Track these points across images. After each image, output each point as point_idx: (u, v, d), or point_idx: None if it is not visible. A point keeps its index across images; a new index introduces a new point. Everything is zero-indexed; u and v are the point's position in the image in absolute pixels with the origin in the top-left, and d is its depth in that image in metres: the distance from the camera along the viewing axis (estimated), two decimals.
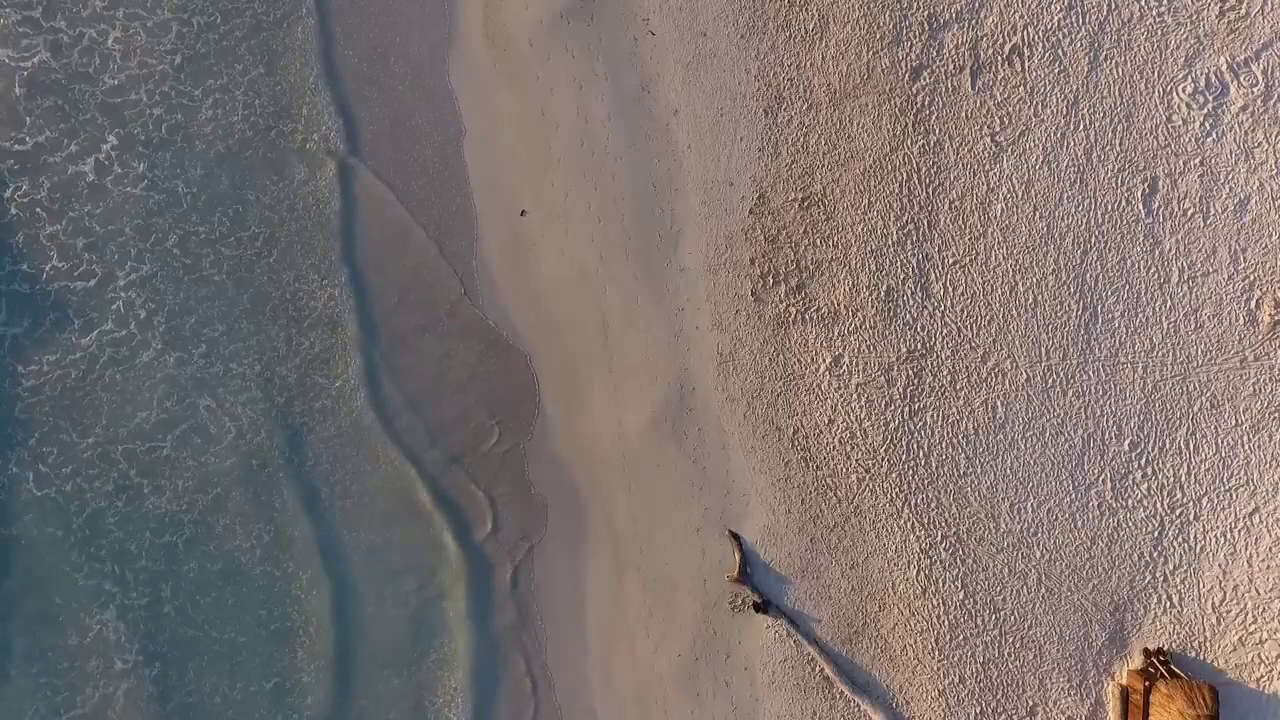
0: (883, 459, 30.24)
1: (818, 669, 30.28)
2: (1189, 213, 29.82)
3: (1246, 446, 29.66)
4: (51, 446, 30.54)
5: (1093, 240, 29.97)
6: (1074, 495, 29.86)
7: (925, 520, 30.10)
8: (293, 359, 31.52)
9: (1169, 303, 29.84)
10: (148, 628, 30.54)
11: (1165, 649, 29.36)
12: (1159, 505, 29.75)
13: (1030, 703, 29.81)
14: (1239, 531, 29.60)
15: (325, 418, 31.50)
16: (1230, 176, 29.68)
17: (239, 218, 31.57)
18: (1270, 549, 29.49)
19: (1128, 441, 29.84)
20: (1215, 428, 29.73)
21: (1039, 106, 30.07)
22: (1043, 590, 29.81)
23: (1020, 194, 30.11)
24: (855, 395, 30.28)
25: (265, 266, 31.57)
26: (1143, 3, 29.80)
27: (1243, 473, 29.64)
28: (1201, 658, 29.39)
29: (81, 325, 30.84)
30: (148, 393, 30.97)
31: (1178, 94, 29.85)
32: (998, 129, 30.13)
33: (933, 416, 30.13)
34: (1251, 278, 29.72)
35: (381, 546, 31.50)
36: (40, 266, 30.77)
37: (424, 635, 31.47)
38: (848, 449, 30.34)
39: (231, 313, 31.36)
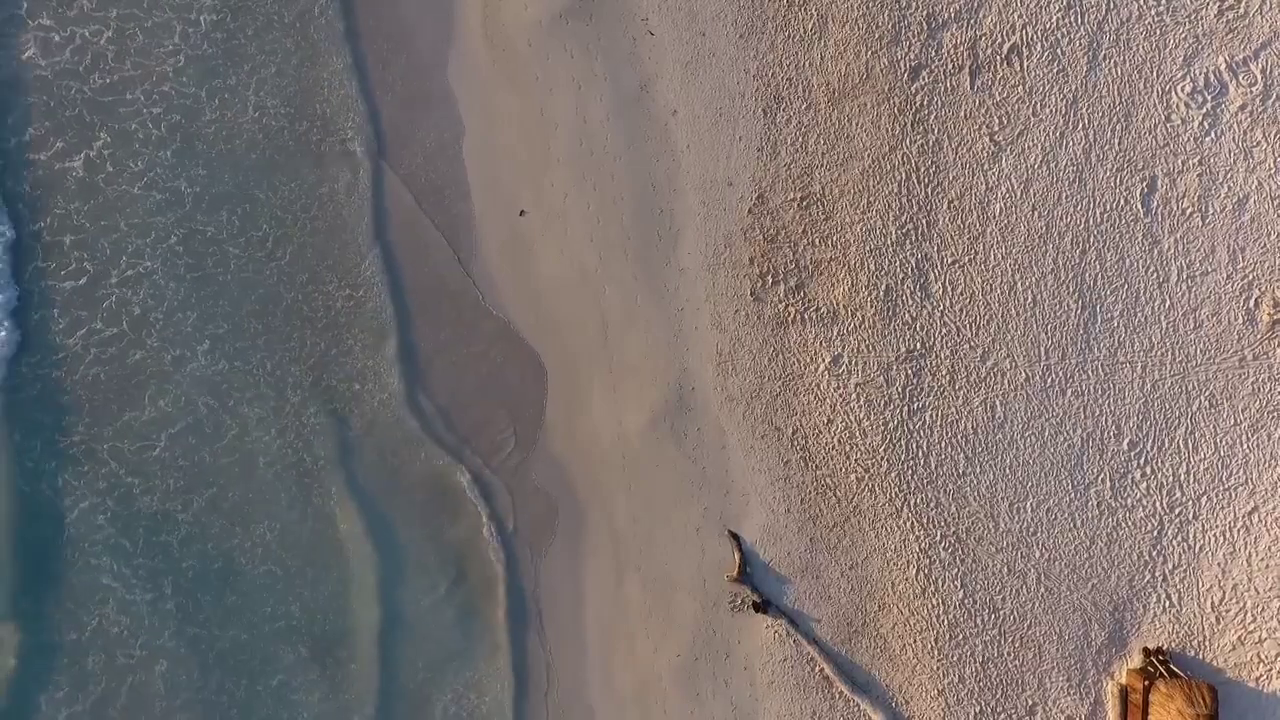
0: (882, 458, 30.25)
1: (817, 668, 30.29)
2: (1188, 212, 29.84)
3: (1245, 446, 29.67)
4: (35, 441, 30.44)
5: (1091, 239, 29.99)
6: (1073, 495, 29.88)
7: (924, 520, 30.11)
8: (309, 359, 31.39)
9: (1168, 302, 29.86)
10: (183, 624, 30.58)
11: (1164, 648, 29.37)
12: (1158, 504, 29.76)
13: (1030, 702, 29.83)
14: (1238, 531, 29.62)
15: (348, 417, 31.41)
16: (1229, 176, 29.69)
17: (250, 217, 31.41)
18: (1269, 548, 29.51)
19: (1127, 441, 29.86)
20: (1214, 427, 29.75)
21: (1038, 106, 30.08)
22: (1042, 590, 29.83)
23: (1019, 193, 30.12)
24: (854, 395, 30.29)
25: (277, 267, 31.43)
26: (1141, 2, 29.81)
27: (1241, 472, 29.65)
28: (1201, 657, 29.40)
29: (68, 324, 30.68)
30: (135, 390, 30.81)
31: (1176, 93, 29.86)
32: (996, 128, 30.14)
33: (932, 416, 30.14)
34: (1250, 277, 29.74)
35: (417, 545, 31.44)
36: (23, 265, 30.61)
37: (458, 631, 31.46)
38: (847, 449, 30.35)
39: (238, 312, 31.25)
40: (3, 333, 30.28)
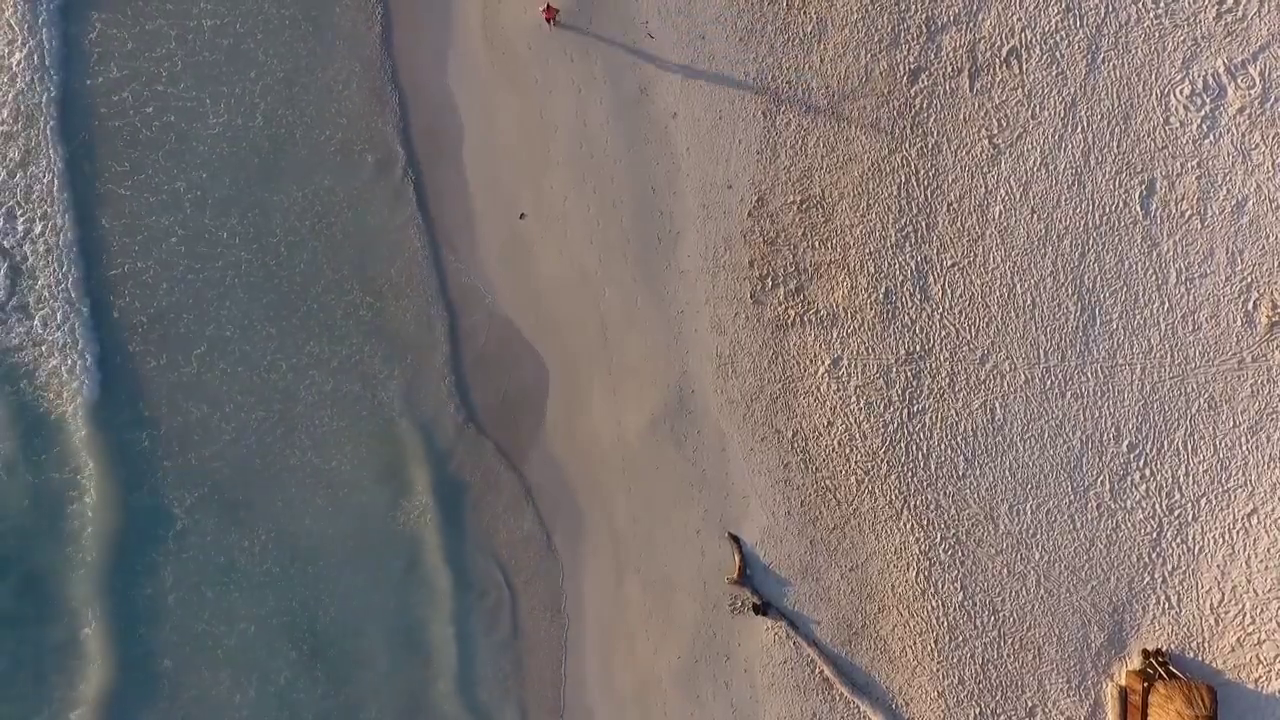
0: (882, 461, 30.31)
1: (817, 670, 30.36)
2: (1186, 214, 29.90)
3: (1244, 448, 29.75)
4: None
5: (1090, 242, 30.05)
6: (1072, 497, 29.95)
7: (924, 522, 30.18)
8: (330, 363, 31.37)
9: (1167, 304, 29.92)
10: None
11: (1164, 650, 29.46)
12: (1157, 506, 29.84)
13: (1029, 704, 29.91)
14: (1237, 532, 29.71)
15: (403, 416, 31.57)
16: (1227, 178, 29.76)
17: (260, 221, 31.28)
18: (1268, 550, 29.60)
19: (1126, 443, 29.93)
20: (1213, 429, 29.82)
21: (1037, 109, 30.13)
22: (1041, 591, 29.90)
23: (1018, 196, 30.17)
24: (854, 397, 30.34)
25: (287, 273, 31.34)
26: (1140, 5, 29.86)
27: (1241, 474, 29.74)
28: (1200, 658, 29.50)
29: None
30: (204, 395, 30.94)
31: (1175, 96, 29.91)
32: (995, 131, 30.18)
33: (931, 418, 30.20)
34: (1249, 279, 29.81)
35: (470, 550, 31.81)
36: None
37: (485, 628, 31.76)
38: (847, 451, 30.41)
39: (250, 314, 31.27)
40: (85, 363, 30.55)
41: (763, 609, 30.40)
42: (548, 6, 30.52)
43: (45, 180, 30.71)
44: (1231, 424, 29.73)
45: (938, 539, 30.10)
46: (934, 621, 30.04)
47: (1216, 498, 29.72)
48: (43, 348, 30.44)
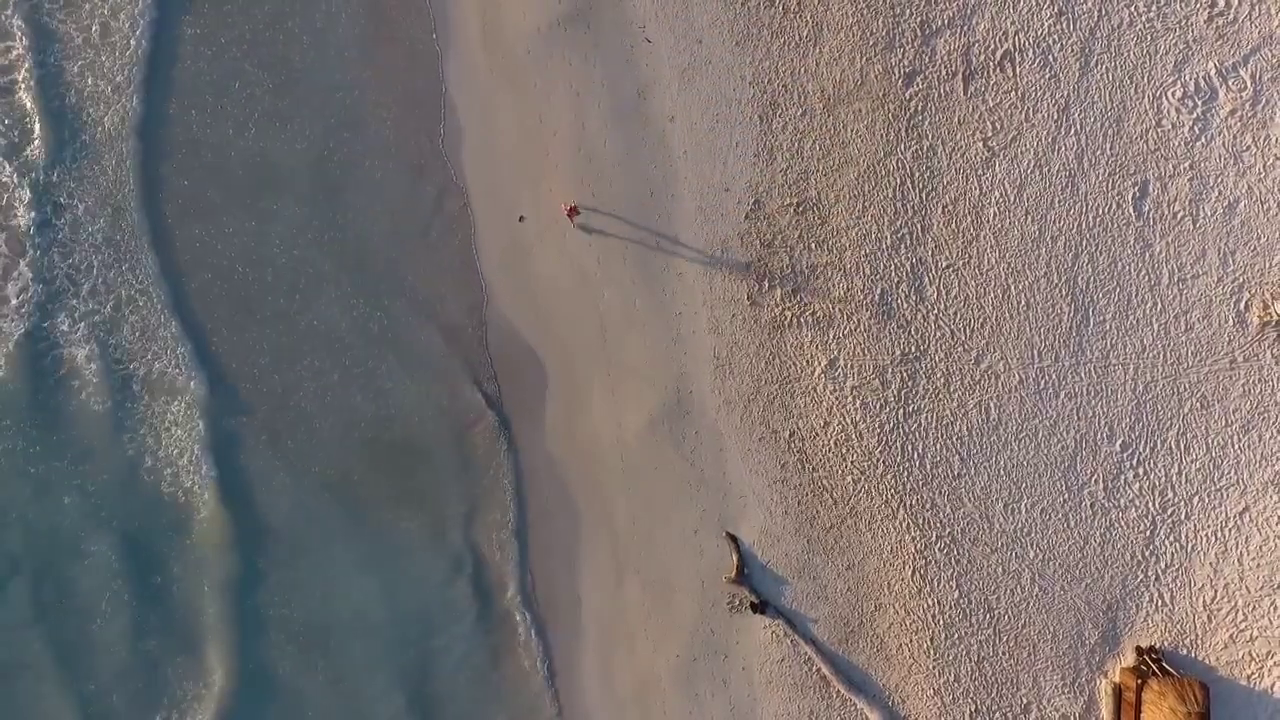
0: (878, 460, 30.54)
1: (814, 668, 30.58)
2: (1179, 216, 30.13)
3: (1237, 446, 29.97)
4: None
5: (1084, 243, 30.28)
6: (1067, 495, 30.17)
7: (920, 521, 30.40)
8: (335, 364, 32.05)
9: (1159, 305, 30.15)
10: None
11: (1157, 647, 29.67)
12: (1151, 505, 30.07)
13: (1024, 700, 30.13)
14: (1230, 530, 29.92)
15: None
16: (1219, 180, 29.97)
17: (263, 229, 31.85)
18: (1260, 547, 29.81)
19: (1119, 442, 30.16)
20: (1206, 428, 30.04)
21: (1030, 111, 30.36)
22: (1036, 589, 30.13)
23: (1012, 198, 30.40)
24: (850, 398, 30.58)
25: (299, 282, 32.08)
26: (1132, 9, 30.09)
27: (1233, 472, 29.95)
28: (1193, 655, 29.70)
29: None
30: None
31: (1167, 99, 30.14)
32: (990, 134, 30.42)
33: (927, 418, 30.44)
34: (1241, 280, 30.02)
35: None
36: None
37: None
38: (843, 451, 30.64)
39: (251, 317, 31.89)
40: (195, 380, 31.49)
41: (760, 607, 30.62)
42: (572, 207, 30.59)
43: (128, 193, 31.69)
44: (1224, 423, 29.95)
45: (933, 538, 30.33)
46: (930, 619, 30.27)
47: (1209, 496, 29.94)
48: (149, 356, 31.38)
